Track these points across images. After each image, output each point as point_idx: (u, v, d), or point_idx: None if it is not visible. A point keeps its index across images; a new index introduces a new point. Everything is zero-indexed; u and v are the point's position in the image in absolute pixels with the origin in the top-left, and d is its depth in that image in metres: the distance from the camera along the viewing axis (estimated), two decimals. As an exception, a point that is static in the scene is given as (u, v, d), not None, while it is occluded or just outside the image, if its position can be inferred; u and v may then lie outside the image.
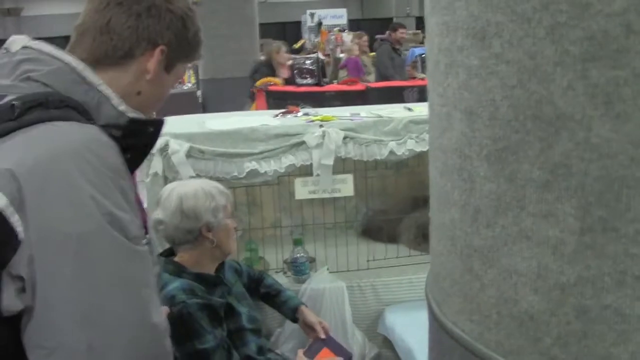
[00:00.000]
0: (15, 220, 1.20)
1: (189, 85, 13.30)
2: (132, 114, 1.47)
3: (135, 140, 1.49)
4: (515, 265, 1.24)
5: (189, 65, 1.70)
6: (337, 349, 3.07)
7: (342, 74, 11.63)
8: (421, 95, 7.26)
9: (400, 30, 10.40)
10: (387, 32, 10.67)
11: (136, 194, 1.49)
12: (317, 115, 3.94)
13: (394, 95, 7.02)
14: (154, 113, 1.68)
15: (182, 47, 1.59)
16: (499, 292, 1.29)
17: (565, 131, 1.11)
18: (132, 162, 1.50)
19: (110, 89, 1.46)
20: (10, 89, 1.37)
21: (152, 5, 1.53)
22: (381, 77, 9.97)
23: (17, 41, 1.47)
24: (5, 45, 1.49)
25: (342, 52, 12.80)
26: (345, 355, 3.03)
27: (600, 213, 1.11)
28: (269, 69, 9.48)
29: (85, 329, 1.24)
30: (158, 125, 1.54)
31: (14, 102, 1.31)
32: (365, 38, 11.99)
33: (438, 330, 1.53)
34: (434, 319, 1.56)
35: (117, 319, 1.27)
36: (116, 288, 1.28)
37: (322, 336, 3.05)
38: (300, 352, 2.94)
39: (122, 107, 1.46)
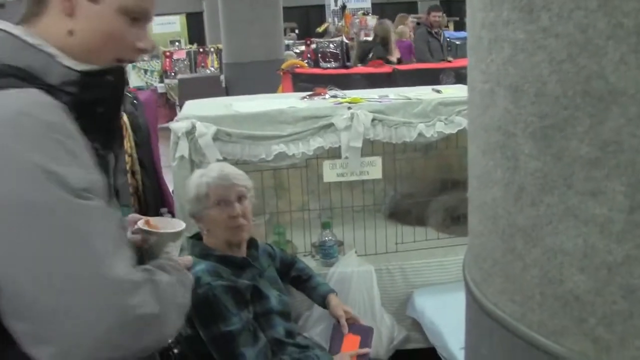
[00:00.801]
0: None
1: (212, 69, 13.34)
2: (81, 66, 1.43)
3: (96, 92, 1.46)
4: (560, 245, 1.22)
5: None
6: (358, 329, 3.06)
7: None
8: (453, 78, 7.20)
9: (433, 14, 10.31)
10: (425, 16, 10.58)
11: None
12: (345, 98, 3.92)
13: (422, 78, 6.95)
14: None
15: None
16: (543, 272, 1.27)
17: (616, 107, 1.08)
18: (106, 114, 1.50)
19: (52, 47, 1.42)
20: None
21: None
22: (418, 61, 9.88)
23: None
24: None
25: (366, 35, 12.72)
26: (365, 333, 3.03)
27: (651, 191, 1.08)
28: (385, 48, 9.50)
29: (45, 293, 1.22)
30: (116, 72, 1.50)
31: None
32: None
33: (477, 311, 1.51)
34: (472, 300, 1.54)
35: (69, 277, 1.23)
36: (62, 245, 1.24)
37: (345, 331, 3.04)
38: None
39: (68, 62, 1.42)
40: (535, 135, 1.23)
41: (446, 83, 6.95)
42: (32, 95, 1.33)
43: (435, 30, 10.26)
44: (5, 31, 1.42)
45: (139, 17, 1.53)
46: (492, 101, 1.36)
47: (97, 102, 1.46)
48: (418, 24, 10.67)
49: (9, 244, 1.22)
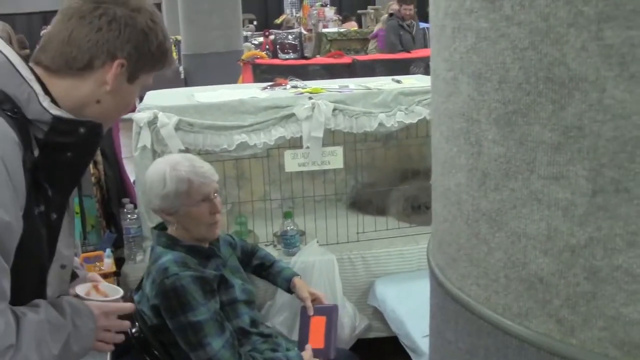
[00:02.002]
0: None
1: (170, 60, 13.20)
2: (56, 111, 1.52)
3: (63, 138, 1.54)
4: (524, 228, 1.24)
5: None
6: (322, 310, 3.07)
7: (372, 45, 11.52)
8: (422, 69, 7.21)
9: (404, 7, 10.30)
10: (397, 8, 10.57)
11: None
12: (305, 88, 3.93)
13: (380, 68, 6.98)
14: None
15: (145, 59, 1.64)
16: (507, 255, 1.29)
17: (578, 93, 1.11)
18: (75, 160, 1.58)
19: (38, 85, 1.52)
20: None
21: (113, 19, 1.58)
22: (388, 53, 9.87)
23: None
24: None
25: (324, 26, 12.72)
26: (330, 312, 3.05)
27: (612, 174, 1.11)
28: None
29: None
30: (91, 126, 1.58)
31: None
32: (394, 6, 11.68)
33: (442, 296, 1.53)
34: (437, 285, 1.56)
35: None
36: None
37: (310, 313, 3.05)
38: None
39: (46, 104, 1.51)
40: (498, 121, 1.25)
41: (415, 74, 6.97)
42: None
43: (408, 22, 10.26)
44: (4, 55, 1.51)
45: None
46: (455, 88, 1.38)
47: (67, 146, 1.55)
48: (390, 14, 10.63)
49: None
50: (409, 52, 8.69)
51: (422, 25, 10.79)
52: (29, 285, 1.56)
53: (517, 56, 1.19)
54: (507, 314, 1.31)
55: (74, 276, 1.93)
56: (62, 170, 1.58)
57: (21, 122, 1.47)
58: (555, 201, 1.18)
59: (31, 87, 1.50)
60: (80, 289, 1.79)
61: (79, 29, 1.56)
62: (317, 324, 3.01)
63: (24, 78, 1.50)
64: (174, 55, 13.06)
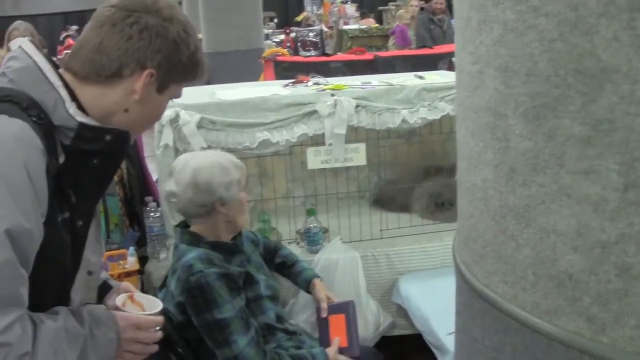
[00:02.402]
0: None
1: (192, 59, 13.24)
2: (82, 118, 1.52)
3: (88, 145, 1.53)
4: (553, 224, 1.22)
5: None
6: (338, 308, 3.05)
7: (391, 42, 11.45)
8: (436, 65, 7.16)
9: (435, 1, 10.20)
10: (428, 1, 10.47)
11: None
12: (327, 84, 3.91)
13: (402, 65, 6.94)
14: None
15: (175, 69, 1.63)
16: (536, 252, 1.27)
17: (609, 84, 1.08)
18: (102, 168, 1.59)
19: (66, 91, 1.52)
20: None
21: (144, 28, 1.57)
22: (418, 48, 9.76)
23: (17, 42, 1.58)
24: (9, 44, 1.67)
25: (345, 24, 12.69)
26: (347, 308, 3.03)
27: (644, 168, 1.08)
28: None
29: None
30: (117, 134, 1.57)
31: None
32: (414, 2, 11.48)
33: (468, 293, 1.51)
34: (463, 282, 1.54)
35: None
36: None
37: (324, 315, 3.04)
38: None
39: (72, 110, 1.51)
40: (526, 115, 1.23)
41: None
42: (22, 130, 1.42)
43: (439, 17, 10.15)
44: (33, 61, 1.53)
45: None
46: (481, 82, 1.35)
47: (93, 153, 1.55)
48: (422, 9, 10.53)
49: None
50: (431, 47, 8.64)
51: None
52: (51, 292, 1.56)
53: (545, 48, 1.16)
54: (535, 311, 1.29)
55: (107, 288, 1.92)
56: (87, 177, 1.57)
57: (47, 128, 1.46)
58: (586, 196, 1.16)
59: (58, 93, 1.50)
60: (119, 300, 1.77)
61: (109, 36, 1.55)
62: (337, 323, 2.99)
63: (51, 84, 1.50)
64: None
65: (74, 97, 1.53)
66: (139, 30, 1.56)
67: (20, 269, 1.39)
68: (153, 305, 1.83)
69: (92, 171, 1.57)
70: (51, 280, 1.54)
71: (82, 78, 1.56)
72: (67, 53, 1.68)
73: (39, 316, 1.45)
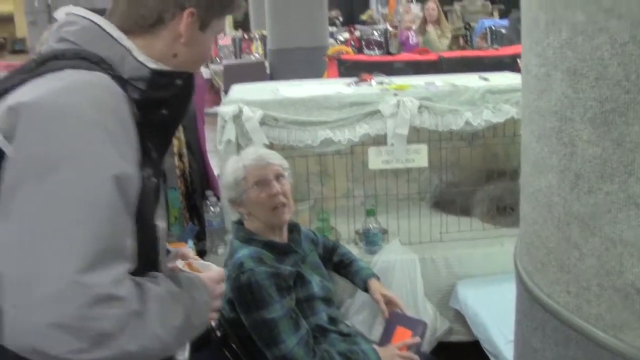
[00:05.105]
0: (7, 149, 1.26)
1: (257, 55, 13.34)
2: (153, 64, 1.50)
3: (162, 93, 1.52)
4: (620, 234, 1.17)
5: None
6: (409, 323, 3.02)
7: (397, 46, 11.24)
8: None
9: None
10: None
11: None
12: (391, 84, 3.88)
13: (468, 66, 6.84)
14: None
15: (213, 5, 1.60)
16: (601, 262, 1.22)
17: (683, 90, 1.04)
18: (170, 118, 1.56)
19: (130, 42, 1.50)
20: (50, 51, 1.46)
21: None
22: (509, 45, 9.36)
23: (62, 10, 1.56)
24: (53, 14, 1.59)
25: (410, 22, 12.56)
26: (418, 327, 2.98)
27: None
28: None
29: (22, 264, 1.20)
30: (186, 77, 1.56)
31: (33, 58, 1.42)
32: (431, 5, 10.58)
33: (529, 302, 1.47)
34: (524, 290, 1.50)
35: (43, 250, 1.20)
36: (64, 222, 1.23)
37: (385, 315, 3.01)
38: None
39: (142, 58, 1.49)
40: (594, 121, 1.19)
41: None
42: (103, 79, 1.38)
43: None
44: (90, 20, 1.50)
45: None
46: (548, 85, 1.31)
47: (162, 102, 1.53)
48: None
49: (19, 192, 1.23)
50: (497, 49, 8.51)
51: (488, 23, 10.45)
52: (145, 253, 1.45)
53: (616, 51, 1.12)
54: (599, 324, 1.25)
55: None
56: (156, 131, 1.54)
57: (119, 82, 1.43)
58: (655, 206, 1.11)
59: (123, 45, 1.49)
60: (180, 265, 1.74)
61: None
62: (401, 336, 2.95)
63: (114, 38, 1.49)
64: (260, 49, 13.19)
65: None
66: None
67: (128, 218, 1.33)
68: (209, 269, 1.79)
69: (160, 123, 1.55)
70: (143, 241, 1.44)
71: (125, 32, 1.52)
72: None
73: (140, 279, 1.35)
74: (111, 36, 1.49)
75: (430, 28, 9.80)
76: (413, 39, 10.07)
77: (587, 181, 1.22)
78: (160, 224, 1.63)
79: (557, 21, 1.25)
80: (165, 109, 1.53)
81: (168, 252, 1.86)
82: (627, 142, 1.13)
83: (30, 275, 1.18)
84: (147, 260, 1.49)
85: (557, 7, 1.24)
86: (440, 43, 9.54)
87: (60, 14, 1.55)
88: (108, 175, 1.27)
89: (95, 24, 1.50)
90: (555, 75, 1.28)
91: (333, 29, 14.53)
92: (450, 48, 9.74)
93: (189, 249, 1.93)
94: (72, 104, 1.29)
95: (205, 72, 12.68)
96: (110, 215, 1.27)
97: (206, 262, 1.86)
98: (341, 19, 19.07)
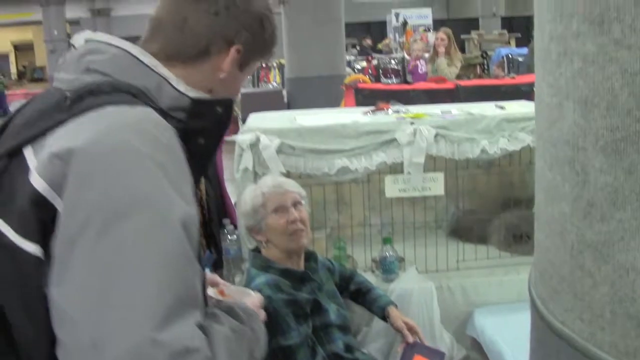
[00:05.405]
0: (56, 201, 1.16)
1: (275, 84, 13.43)
2: (194, 93, 1.42)
3: (203, 122, 1.45)
4: (633, 262, 1.18)
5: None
6: (428, 353, 3.01)
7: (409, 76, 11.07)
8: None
9: None
10: None
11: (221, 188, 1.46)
12: (407, 113, 3.90)
13: (484, 94, 6.86)
14: None
15: (258, 46, 1.56)
16: (614, 289, 1.23)
17: (693, 120, 1.05)
18: (206, 147, 1.48)
19: (166, 70, 1.41)
20: (74, 82, 1.35)
21: (231, 4, 1.49)
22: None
23: (80, 36, 1.47)
24: (71, 41, 1.49)
25: (426, 51, 12.56)
26: (436, 357, 2.98)
27: None
28: None
29: (90, 326, 1.10)
30: (226, 104, 1.50)
31: (66, 94, 1.29)
32: (441, 35, 10.12)
33: (544, 330, 1.48)
34: (539, 318, 1.50)
35: (123, 311, 1.11)
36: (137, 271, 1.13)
37: (410, 340, 3.00)
38: None
39: (182, 87, 1.41)
40: (605, 149, 1.20)
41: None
42: (147, 112, 1.30)
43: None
44: (121, 49, 1.41)
45: None
46: (560, 115, 1.33)
47: (201, 132, 1.46)
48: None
49: (79, 250, 1.12)
50: (513, 77, 8.53)
51: (504, 51, 10.40)
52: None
53: (626, 81, 1.14)
54: (613, 352, 1.25)
55: None
56: (192, 162, 1.40)
57: (160, 114, 1.34)
58: (667, 234, 1.12)
59: (158, 73, 1.41)
60: (212, 294, 1.68)
61: (194, 13, 1.47)
62: None
63: (148, 66, 1.40)
64: (278, 78, 13.24)
65: None
66: (225, 6, 1.48)
67: (196, 262, 1.24)
68: (246, 294, 1.76)
69: (197, 153, 1.45)
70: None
71: (163, 59, 1.44)
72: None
73: (205, 321, 1.26)
74: (144, 64, 1.41)
75: (440, 57, 9.78)
76: (422, 67, 10.01)
77: (599, 209, 1.24)
78: None
79: (568, 52, 1.27)
80: (202, 138, 1.46)
81: None
82: (639, 170, 1.14)
83: (102, 339, 1.09)
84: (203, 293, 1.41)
85: (568, 39, 1.26)
86: (449, 72, 9.50)
87: (78, 40, 1.46)
88: (177, 218, 1.19)
89: (126, 51, 1.41)
90: (567, 105, 1.30)
91: (351, 57, 14.61)
92: (460, 77, 9.72)
93: (215, 275, 1.90)
94: (126, 144, 1.20)
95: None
96: (183, 263, 1.19)
97: (240, 287, 1.84)
98: (358, 47, 19.18)
